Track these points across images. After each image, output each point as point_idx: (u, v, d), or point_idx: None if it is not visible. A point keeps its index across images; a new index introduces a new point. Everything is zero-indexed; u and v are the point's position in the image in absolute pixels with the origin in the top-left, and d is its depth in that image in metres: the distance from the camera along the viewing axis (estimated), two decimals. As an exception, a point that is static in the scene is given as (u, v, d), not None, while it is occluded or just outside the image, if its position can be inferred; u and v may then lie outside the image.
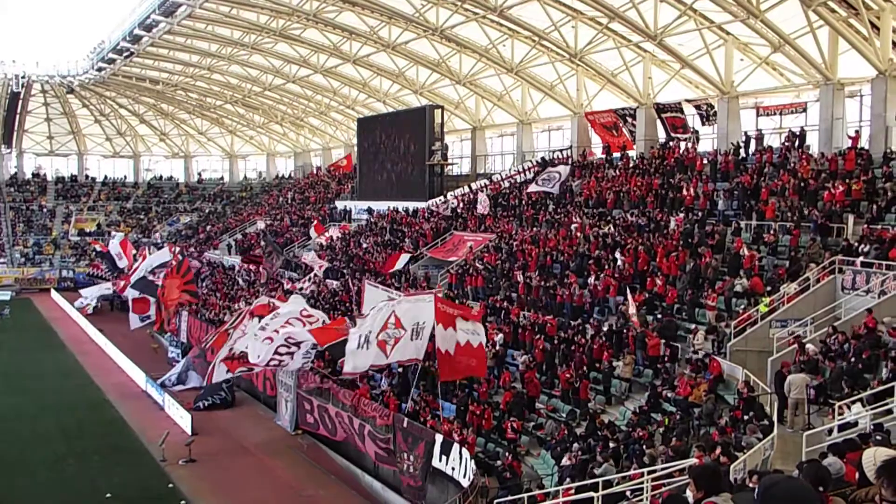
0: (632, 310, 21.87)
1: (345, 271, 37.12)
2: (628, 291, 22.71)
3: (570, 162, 37.80)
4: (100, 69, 56.94)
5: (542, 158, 40.95)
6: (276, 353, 22.52)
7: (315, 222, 49.22)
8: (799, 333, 18.65)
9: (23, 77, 60.88)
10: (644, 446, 16.32)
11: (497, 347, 24.20)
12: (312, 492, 20.72)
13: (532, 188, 36.78)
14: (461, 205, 40.80)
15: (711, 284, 22.42)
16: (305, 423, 24.81)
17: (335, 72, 48.87)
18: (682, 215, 27.24)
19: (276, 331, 22.86)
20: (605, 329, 22.85)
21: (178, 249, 46.23)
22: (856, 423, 13.29)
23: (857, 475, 5.90)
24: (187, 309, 37.82)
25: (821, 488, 5.18)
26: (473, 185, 42.71)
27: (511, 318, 25.98)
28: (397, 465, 20.01)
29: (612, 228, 28.83)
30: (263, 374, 27.91)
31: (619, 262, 25.66)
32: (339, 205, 53.33)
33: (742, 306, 20.87)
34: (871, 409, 13.60)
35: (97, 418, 27.17)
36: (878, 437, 10.31)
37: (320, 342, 22.88)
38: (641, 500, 13.20)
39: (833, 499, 5.34)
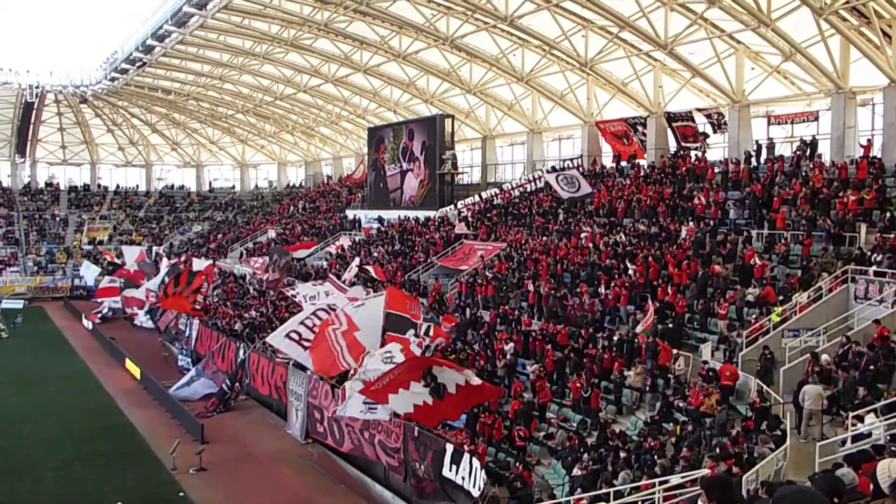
0: (640, 328, 21.77)
1: (355, 281, 37.13)
2: (650, 305, 22.43)
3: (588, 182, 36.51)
4: (112, 79, 57.34)
5: (553, 167, 40.95)
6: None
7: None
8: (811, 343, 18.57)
9: (36, 87, 61.39)
10: (655, 456, 16.23)
11: (508, 357, 24.15)
12: (322, 501, 20.69)
13: (551, 179, 34.98)
14: (471, 214, 40.82)
15: (723, 294, 22.32)
16: (315, 432, 24.80)
17: (346, 81, 49.10)
18: (693, 224, 27.18)
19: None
20: (616, 338, 22.79)
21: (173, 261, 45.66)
22: (870, 434, 13.17)
23: (871, 487, 5.86)
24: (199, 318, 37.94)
25: (835, 500, 5.13)
26: (484, 195, 42.76)
27: (522, 327, 25.94)
28: (409, 475, 19.94)
29: (623, 237, 28.77)
30: (274, 384, 27.95)
31: (630, 272, 25.60)
32: (350, 214, 53.46)
33: (754, 316, 20.76)
34: (886, 419, 13.48)
35: (107, 425, 27.21)
36: (894, 448, 10.22)
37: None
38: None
39: (847, 510, 5.30)
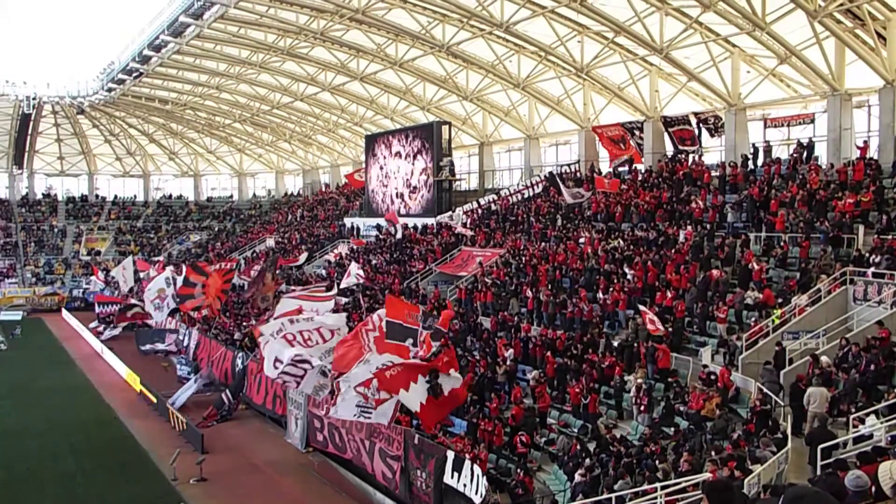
0: (651, 316, 21.82)
1: (354, 288, 37.13)
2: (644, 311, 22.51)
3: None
4: (110, 90, 57.40)
5: (550, 173, 40.98)
6: (286, 371, 22.47)
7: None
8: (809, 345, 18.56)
9: (34, 98, 61.47)
10: (657, 461, 16.20)
11: (508, 363, 24.13)
12: (324, 510, 20.64)
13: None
14: (470, 221, 40.84)
15: (722, 297, 22.32)
16: (315, 441, 24.74)
17: (343, 89, 49.17)
18: (691, 228, 27.20)
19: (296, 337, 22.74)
20: (615, 343, 22.79)
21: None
22: (871, 436, 13.16)
23: (873, 489, 5.85)
24: (198, 327, 37.85)
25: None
26: (482, 201, 42.78)
27: (522, 333, 25.92)
28: (404, 486, 19.86)
29: (621, 242, 28.79)
30: (273, 392, 27.88)
31: (629, 276, 25.60)
32: (348, 222, 53.46)
33: (753, 319, 20.77)
34: (886, 420, 13.47)
35: (107, 436, 27.15)
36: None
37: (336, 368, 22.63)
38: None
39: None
